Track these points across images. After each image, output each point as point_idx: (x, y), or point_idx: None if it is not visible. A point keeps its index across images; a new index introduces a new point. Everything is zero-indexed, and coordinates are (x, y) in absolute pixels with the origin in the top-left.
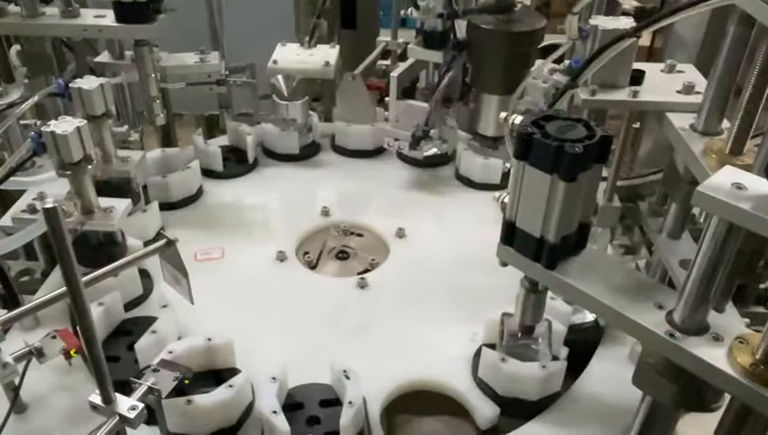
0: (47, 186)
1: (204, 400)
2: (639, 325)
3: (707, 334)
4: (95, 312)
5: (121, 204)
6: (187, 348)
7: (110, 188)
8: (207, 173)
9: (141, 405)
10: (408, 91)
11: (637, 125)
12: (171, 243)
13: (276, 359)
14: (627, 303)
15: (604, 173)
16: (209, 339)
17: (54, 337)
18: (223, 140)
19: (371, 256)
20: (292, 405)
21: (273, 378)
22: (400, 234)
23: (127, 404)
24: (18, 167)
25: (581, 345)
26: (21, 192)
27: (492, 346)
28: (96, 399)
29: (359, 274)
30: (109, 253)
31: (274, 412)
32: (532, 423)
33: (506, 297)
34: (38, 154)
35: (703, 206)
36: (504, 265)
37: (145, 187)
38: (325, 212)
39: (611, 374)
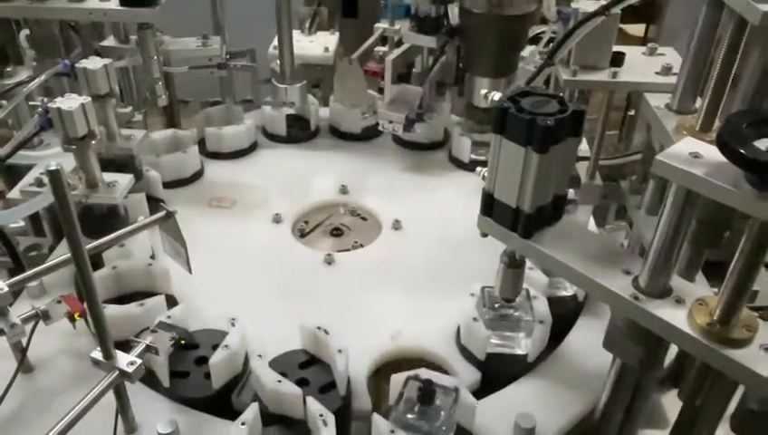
0: (53, 161)
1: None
2: (606, 289)
3: (670, 297)
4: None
5: (124, 179)
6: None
7: (115, 167)
8: (271, 137)
9: (139, 361)
10: (403, 77)
11: (632, 112)
12: (170, 215)
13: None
14: (596, 269)
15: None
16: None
17: (59, 302)
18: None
19: (364, 234)
20: None
21: (260, 356)
22: (396, 216)
23: (126, 360)
24: (26, 141)
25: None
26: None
27: None
28: (97, 355)
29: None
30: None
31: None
32: (510, 388)
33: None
34: (45, 129)
35: (661, 172)
36: (485, 235)
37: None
38: (340, 190)
39: (590, 344)
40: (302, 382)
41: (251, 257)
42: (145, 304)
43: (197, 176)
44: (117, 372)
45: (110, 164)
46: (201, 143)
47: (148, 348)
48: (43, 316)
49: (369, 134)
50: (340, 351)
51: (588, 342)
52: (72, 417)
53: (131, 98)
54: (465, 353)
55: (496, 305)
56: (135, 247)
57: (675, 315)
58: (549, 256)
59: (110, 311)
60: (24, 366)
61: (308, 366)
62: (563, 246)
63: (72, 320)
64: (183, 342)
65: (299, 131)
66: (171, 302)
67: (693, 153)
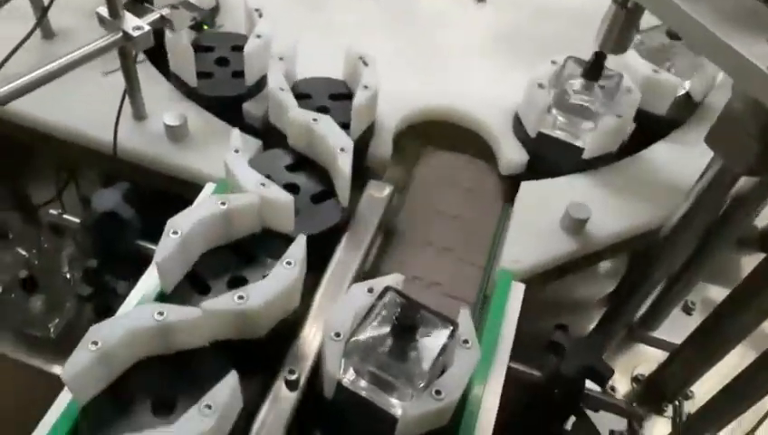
0: None
1: None
2: (737, 54)
3: None
4: None
5: None
6: None
7: None
8: None
9: (148, 28)
10: None
11: None
12: None
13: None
14: (730, 30)
15: None
16: None
17: None
18: None
19: None
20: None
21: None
22: None
23: (133, 23)
24: None
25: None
26: None
27: None
28: (103, 11)
29: None
30: None
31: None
32: (564, 178)
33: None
34: None
35: None
36: None
37: None
38: None
39: (673, 159)
40: (321, 110)
41: None
42: None
43: None
44: (120, 34)
45: None
46: None
47: (163, 19)
48: None
49: None
50: (365, 87)
51: (671, 158)
52: (61, 64)
53: None
54: (517, 129)
55: (576, 82)
56: None
57: None
58: (672, 3)
59: None
60: (43, 30)
61: (339, 99)
62: None
63: None
64: (206, 26)
65: None
66: None
67: None
